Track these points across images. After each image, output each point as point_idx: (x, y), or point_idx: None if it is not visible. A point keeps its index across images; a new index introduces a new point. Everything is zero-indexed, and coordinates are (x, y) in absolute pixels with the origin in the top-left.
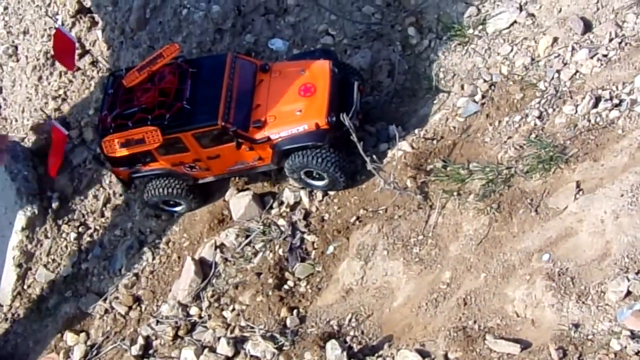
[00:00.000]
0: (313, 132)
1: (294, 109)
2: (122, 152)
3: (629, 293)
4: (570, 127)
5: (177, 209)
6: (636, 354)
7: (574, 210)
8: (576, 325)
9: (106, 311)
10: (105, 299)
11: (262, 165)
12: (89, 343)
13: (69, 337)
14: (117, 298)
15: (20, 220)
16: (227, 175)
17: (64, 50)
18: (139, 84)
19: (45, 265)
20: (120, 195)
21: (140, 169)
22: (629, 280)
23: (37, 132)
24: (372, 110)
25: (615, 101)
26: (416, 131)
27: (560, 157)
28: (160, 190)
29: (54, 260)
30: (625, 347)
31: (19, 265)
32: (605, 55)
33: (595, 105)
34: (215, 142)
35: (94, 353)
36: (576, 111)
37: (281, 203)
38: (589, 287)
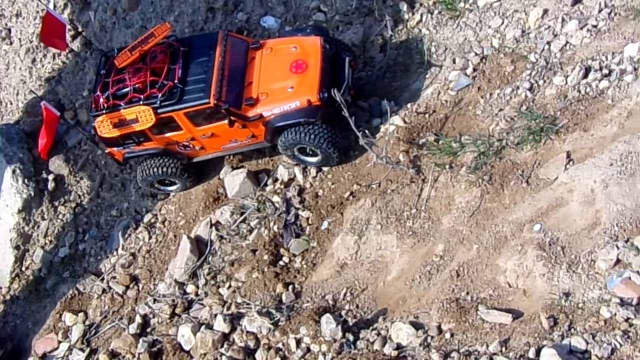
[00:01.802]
0: (305, 109)
1: (286, 85)
2: (116, 132)
3: (618, 261)
4: (561, 98)
5: (172, 188)
6: (625, 320)
7: (564, 180)
8: (567, 294)
9: (104, 291)
10: (102, 279)
11: (255, 143)
12: (87, 323)
13: (68, 317)
14: (114, 278)
15: (17, 202)
16: (221, 154)
17: (54, 32)
18: (131, 63)
19: (42, 247)
20: (116, 175)
21: (135, 148)
22: (618, 248)
23: (31, 114)
24: (365, 86)
25: (605, 71)
26: (408, 105)
27: (550, 128)
28: (155, 169)
29: (51, 241)
30: (615, 315)
31: (17, 247)
32: (594, 26)
33: (585, 76)
34: (208, 120)
35: (93, 332)
36: (566, 82)
37: (275, 180)
38: (579, 256)
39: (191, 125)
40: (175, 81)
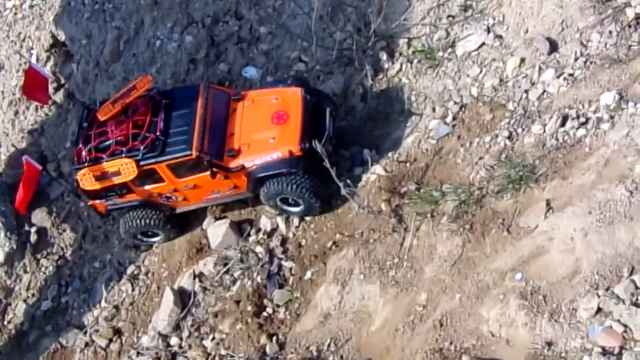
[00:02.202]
0: (287, 159)
1: (268, 136)
2: (98, 184)
3: (599, 310)
4: (539, 146)
5: (155, 239)
6: None
7: (544, 228)
8: (549, 344)
9: (87, 344)
10: (85, 332)
11: (238, 194)
12: None
13: None
14: (97, 331)
15: None
16: (203, 204)
17: (37, 85)
18: (113, 116)
19: (25, 300)
20: (99, 227)
21: (117, 200)
22: (599, 297)
23: (13, 166)
24: (346, 135)
25: (582, 120)
26: (390, 154)
27: (530, 177)
28: (138, 221)
29: (33, 294)
30: None
31: None
32: (571, 75)
33: (563, 124)
34: (191, 172)
35: None
36: (544, 130)
37: (258, 230)
38: (560, 305)
39: (174, 177)
40: (158, 133)
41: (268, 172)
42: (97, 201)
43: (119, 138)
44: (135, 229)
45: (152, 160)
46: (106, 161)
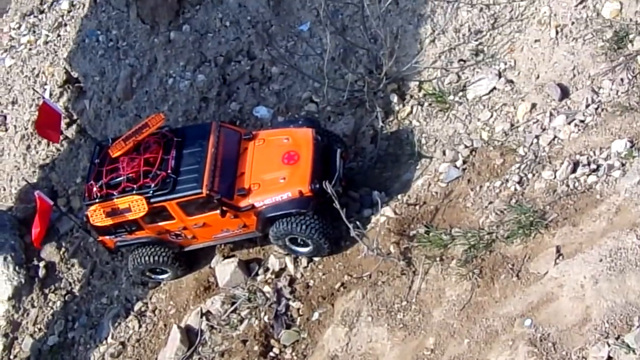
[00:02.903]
0: (297, 200)
1: (278, 176)
2: (108, 221)
3: (609, 358)
4: (550, 192)
5: (163, 276)
6: None
7: (554, 275)
8: None
9: None
10: None
11: (247, 233)
12: None
13: None
14: None
15: (7, 289)
16: (212, 243)
17: (50, 122)
18: (125, 153)
19: (31, 335)
20: (107, 263)
21: (127, 237)
22: (609, 345)
23: (24, 201)
24: (356, 176)
25: (593, 166)
26: (399, 197)
27: (540, 222)
28: (147, 258)
29: (40, 329)
30: None
31: (5, 335)
32: (582, 121)
33: (574, 171)
34: (200, 210)
35: None
36: (555, 176)
37: (266, 269)
38: (570, 353)
39: (183, 215)
40: (169, 171)
41: (278, 212)
42: (107, 237)
43: (130, 175)
44: (143, 265)
45: (163, 198)
46: (117, 198)
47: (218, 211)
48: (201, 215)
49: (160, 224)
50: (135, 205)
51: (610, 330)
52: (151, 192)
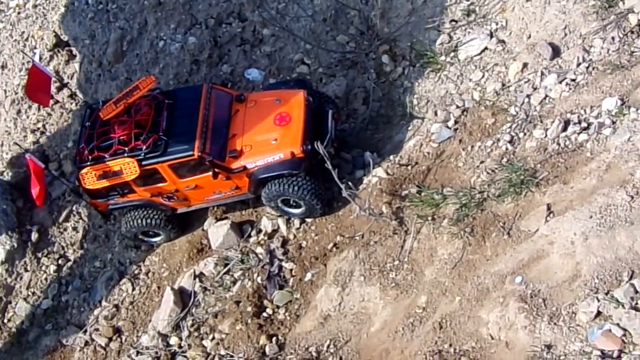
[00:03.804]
0: (289, 161)
1: (270, 138)
2: (100, 184)
3: (599, 313)
4: (541, 150)
5: (156, 239)
6: None
7: (544, 232)
8: (548, 347)
9: (86, 343)
10: (85, 331)
11: (239, 194)
12: None
13: None
14: (97, 330)
15: (0, 254)
16: (204, 205)
17: (40, 86)
18: (116, 116)
19: (25, 299)
20: (100, 226)
21: (119, 200)
22: (598, 300)
23: (15, 165)
24: (348, 138)
25: (584, 125)
26: (391, 157)
27: (531, 181)
28: (139, 221)
29: (33, 293)
30: None
31: None
32: (573, 80)
33: (565, 129)
34: (192, 172)
35: None
36: (546, 135)
37: (259, 231)
38: (560, 308)
39: (175, 177)
40: (160, 133)
41: (270, 174)
42: (99, 200)
43: (121, 138)
44: (136, 228)
45: (154, 160)
46: (108, 160)
47: (210, 173)
48: (193, 178)
49: (152, 186)
50: (127, 168)
51: (599, 285)
52: (143, 154)
